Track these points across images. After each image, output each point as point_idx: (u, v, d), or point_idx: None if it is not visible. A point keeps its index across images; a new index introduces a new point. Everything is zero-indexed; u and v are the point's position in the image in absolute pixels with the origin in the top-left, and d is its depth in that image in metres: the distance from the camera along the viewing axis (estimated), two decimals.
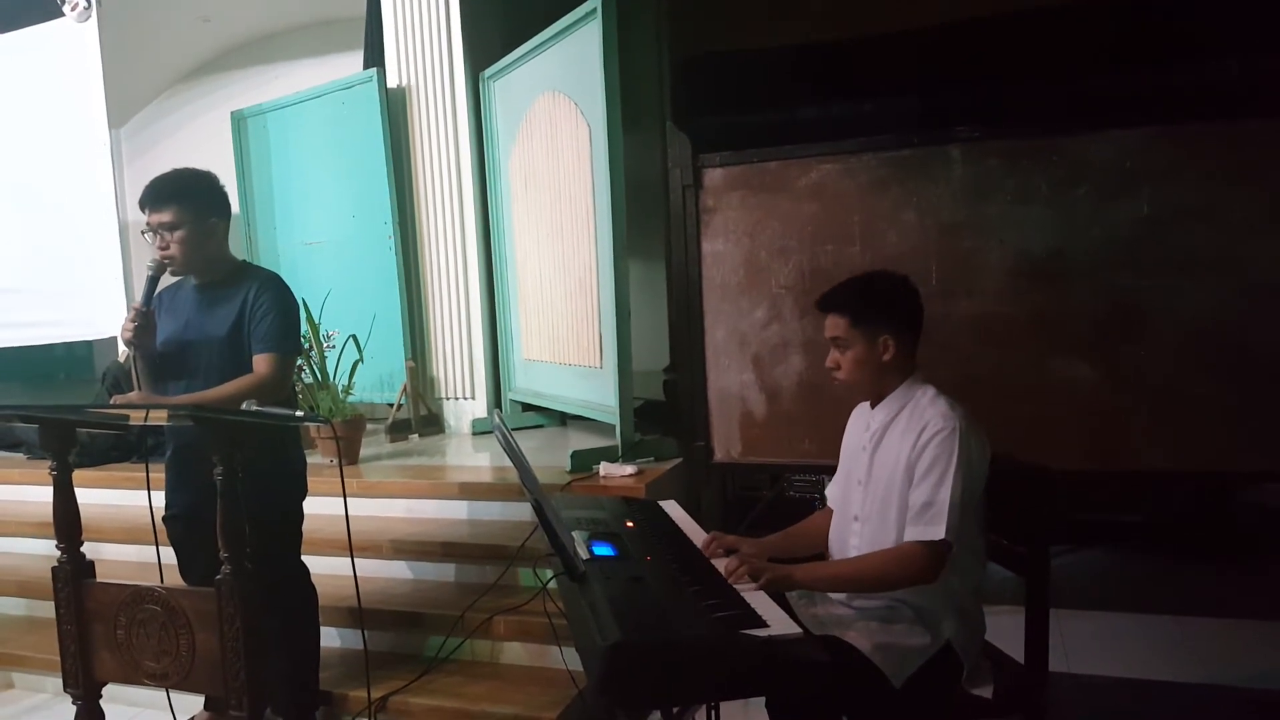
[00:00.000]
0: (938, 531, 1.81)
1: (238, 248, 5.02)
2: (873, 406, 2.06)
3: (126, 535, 3.69)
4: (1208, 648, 3.12)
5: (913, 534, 1.85)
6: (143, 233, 2.54)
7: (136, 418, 2.27)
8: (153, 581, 2.30)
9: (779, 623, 1.65)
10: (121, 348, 5.05)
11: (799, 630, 1.65)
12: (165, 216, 2.47)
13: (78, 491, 2.40)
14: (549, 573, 1.99)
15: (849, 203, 3.30)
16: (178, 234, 2.48)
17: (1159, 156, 2.98)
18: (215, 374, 2.51)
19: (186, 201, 2.49)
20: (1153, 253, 3.00)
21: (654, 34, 5.42)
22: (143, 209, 2.51)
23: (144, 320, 2.50)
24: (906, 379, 2.00)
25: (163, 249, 2.50)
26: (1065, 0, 3.92)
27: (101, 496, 3.96)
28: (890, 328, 1.97)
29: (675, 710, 2.21)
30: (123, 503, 3.94)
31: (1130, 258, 3.03)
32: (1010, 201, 3.12)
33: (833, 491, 2.20)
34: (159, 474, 2.66)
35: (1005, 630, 2.11)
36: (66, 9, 5.08)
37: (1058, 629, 3.04)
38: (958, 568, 1.94)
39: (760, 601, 1.75)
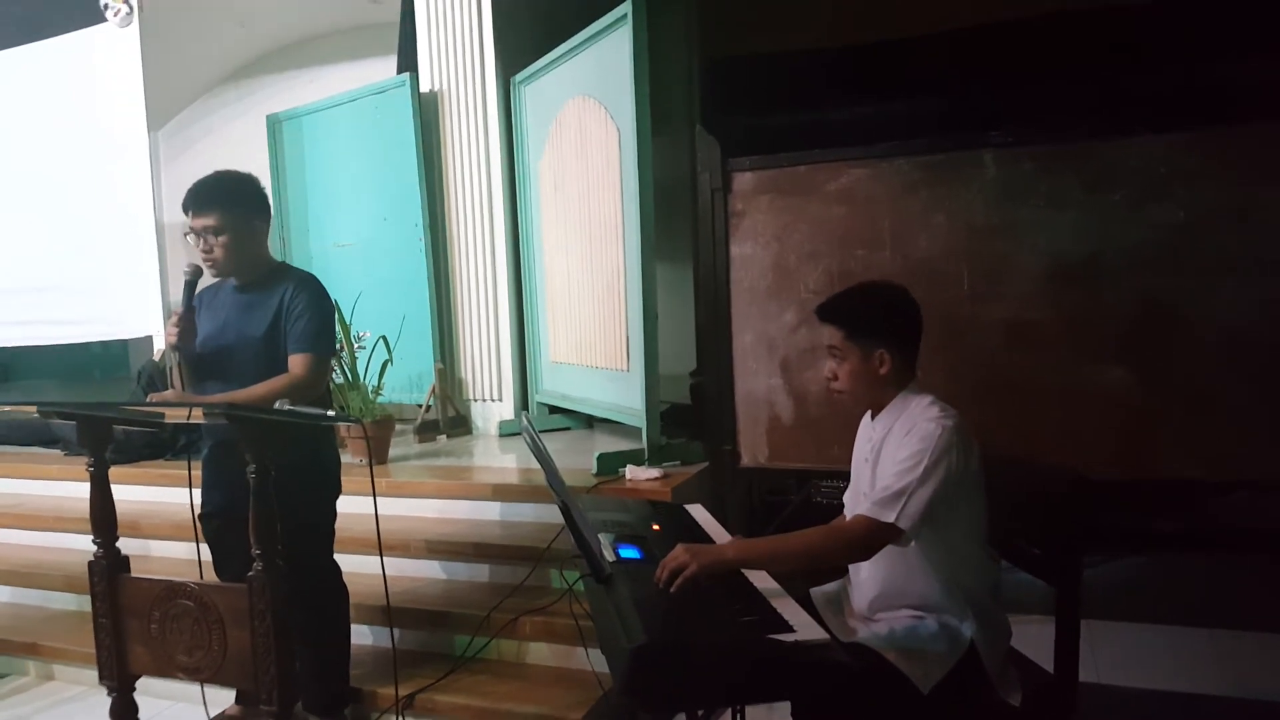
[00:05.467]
0: (887, 515, 1.79)
1: (272, 249, 5.11)
2: (873, 418, 2.05)
3: (161, 531, 3.76)
4: (1241, 661, 3.07)
5: (865, 509, 1.84)
6: (185, 235, 2.58)
7: (174, 416, 2.31)
8: (186, 577, 2.34)
9: (805, 627, 1.65)
10: (158, 346, 5.14)
11: (825, 636, 1.65)
12: (210, 220, 2.51)
13: (113, 488, 2.44)
14: (575, 574, 2.00)
15: (880, 207, 3.28)
16: (222, 238, 2.52)
17: (1194, 160, 2.93)
18: (251, 374, 2.54)
19: (232, 205, 2.54)
20: (1187, 257, 2.95)
21: (683, 37, 5.43)
22: (186, 212, 2.54)
23: (187, 324, 2.54)
24: (904, 389, 1.98)
25: (206, 252, 2.54)
26: (1099, 3, 3.88)
27: (136, 493, 4.03)
28: (886, 341, 1.95)
29: (700, 713, 2.21)
30: (157, 499, 4.01)
31: (1165, 262, 2.98)
32: (1043, 205, 3.09)
33: (847, 498, 2.20)
34: (196, 472, 2.70)
35: (1035, 640, 2.08)
36: (109, 14, 5.19)
37: (1088, 639, 3.01)
38: (971, 569, 1.94)
39: (787, 607, 1.75)
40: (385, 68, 5.43)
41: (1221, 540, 3.80)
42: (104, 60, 5.26)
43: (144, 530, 3.77)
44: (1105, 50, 3.86)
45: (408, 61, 5.07)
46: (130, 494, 3.95)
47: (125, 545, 2.46)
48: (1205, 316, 2.96)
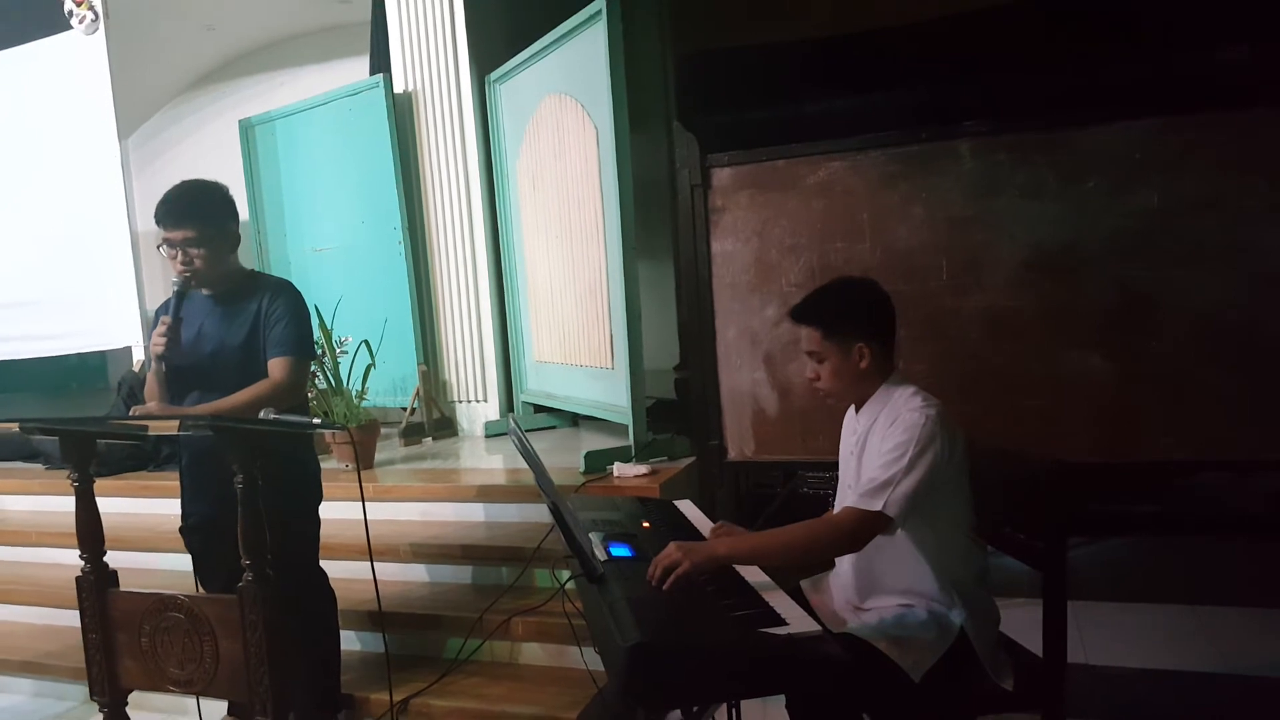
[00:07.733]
0: (874, 504, 1.82)
1: (248, 255, 5.08)
2: (857, 411, 2.08)
3: (148, 543, 3.72)
4: (1226, 637, 3.12)
5: (851, 500, 1.86)
6: (158, 247, 2.55)
7: (156, 428, 2.29)
8: (174, 589, 2.33)
9: (798, 620, 1.66)
10: (137, 357, 5.09)
11: (818, 628, 1.67)
12: (188, 233, 2.47)
13: (98, 501, 2.41)
14: (566, 574, 2.00)
15: (858, 199, 3.30)
16: (199, 250, 2.49)
17: (1168, 147, 2.96)
18: (231, 383, 2.52)
19: (207, 216, 2.50)
20: (1164, 244, 2.99)
21: (659, 33, 5.43)
22: (161, 225, 2.50)
23: (175, 335, 2.50)
24: (886, 381, 2.00)
25: (185, 264, 2.51)
26: None
27: (119, 505, 3.99)
28: (863, 336, 1.97)
29: (695, 709, 2.23)
30: (140, 511, 3.97)
31: (1141, 249, 3.01)
32: (1019, 195, 3.11)
33: (838, 497, 2.22)
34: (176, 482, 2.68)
35: (1023, 623, 2.11)
36: (74, 22, 5.12)
37: (1075, 620, 3.03)
38: (958, 555, 1.96)
39: (779, 600, 1.76)
40: (358, 69, 5.40)
41: (1201, 519, 3.87)
42: (71, 69, 5.19)
43: (131, 543, 3.73)
44: (1080, 38, 3.89)
45: (380, 62, 5.04)
46: (114, 506, 3.91)
47: (112, 559, 2.44)
48: (1182, 301, 2.99)
